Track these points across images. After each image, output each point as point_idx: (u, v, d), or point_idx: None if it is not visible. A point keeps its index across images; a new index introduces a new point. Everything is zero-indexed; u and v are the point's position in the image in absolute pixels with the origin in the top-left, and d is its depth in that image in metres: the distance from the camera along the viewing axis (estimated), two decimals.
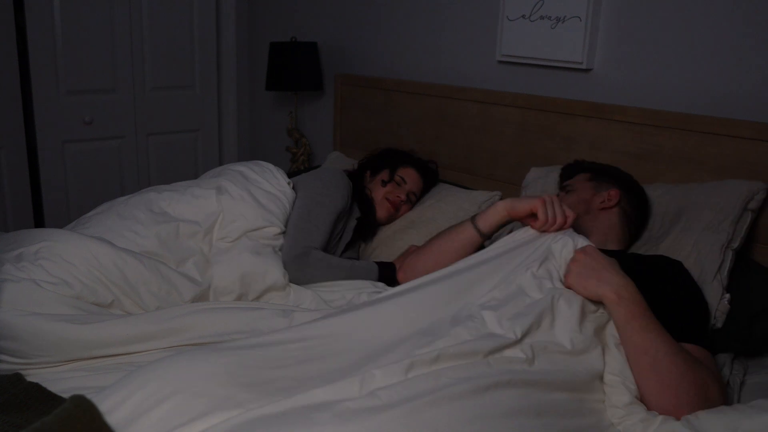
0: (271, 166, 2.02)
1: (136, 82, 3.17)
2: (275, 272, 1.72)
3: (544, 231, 1.44)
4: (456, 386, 1.03)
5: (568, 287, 1.30)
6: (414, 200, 2.19)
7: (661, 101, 1.93)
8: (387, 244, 2.07)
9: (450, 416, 0.98)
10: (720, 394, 1.19)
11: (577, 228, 1.52)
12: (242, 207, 1.83)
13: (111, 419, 0.98)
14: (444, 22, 2.51)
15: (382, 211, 2.11)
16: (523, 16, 2.18)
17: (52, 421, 0.93)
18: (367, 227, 2.11)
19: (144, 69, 3.18)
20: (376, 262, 1.87)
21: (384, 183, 2.14)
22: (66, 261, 1.54)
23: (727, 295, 1.52)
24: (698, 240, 1.60)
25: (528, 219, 1.49)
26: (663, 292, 1.36)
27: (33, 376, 1.31)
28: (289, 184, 1.97)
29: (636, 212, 1.69)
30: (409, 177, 2.17)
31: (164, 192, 1.88)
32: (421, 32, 2.60)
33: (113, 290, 1.55)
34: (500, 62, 2.32)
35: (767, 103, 1.73)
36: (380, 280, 1.82)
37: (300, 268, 1.77)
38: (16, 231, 1.74)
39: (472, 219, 1.61)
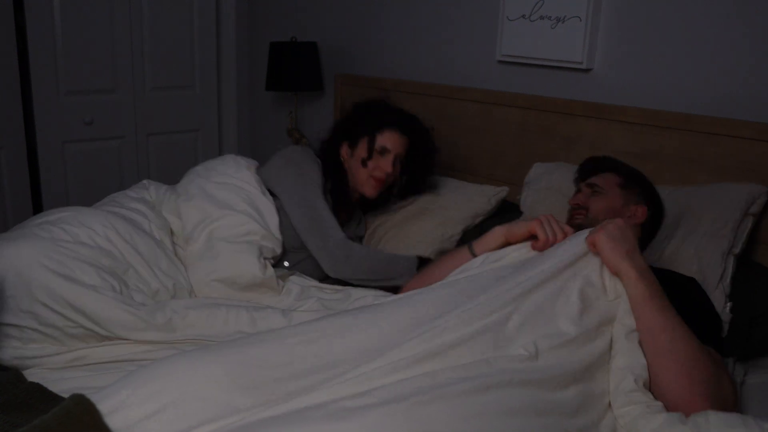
0: (227, 158, 1.97)
1: (136, 82, 3.17)
2: (249, 270, 1.70)
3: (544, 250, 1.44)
4: (454, 385, 1.02)
5: (592, 243, 1.29)
6: (403, 162, 2.03)
7: (661, 101, 1.93)
8: (400, 228, 2.06)
9: (447, 414, 0.98)
10: (732, 390, 1.20)
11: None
12: (195, 205, 1.80)
13: (111, 421, 0.98)
14: (444, 22, 2.51)
15: (369, 189, 1.98)
16: (523, 16, 2.18)
17: (50, 419, 0.93)
18: (343, 204, 2.00)
19: (144, 69, 3.18)
20: (418, 257, 1.84)
21: (365, 162, 1.96)
22: (86, 226, 1.60)
23: (729, 304, 1.52)
24: (699, 247, 1.59)
25: (526, 241, 1.50)
26: (677, 298, 1.35)
27: (34, 375, 1.32)
28: (249, 168, 1.91)
29: (654, 228, 1.65)
30: (392, 141, 1.97)
31: (151, 189, 1.92)
32: (421, 32, 2.60)
33: (128, 258, 1.60)
34: (500, 62, 2.32)
35: (767, 103, 1.73)
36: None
37: (347, 262, 1.76)
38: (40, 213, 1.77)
39: (470, 246, 1.61)
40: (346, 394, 1.02)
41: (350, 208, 2.05)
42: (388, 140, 1.97)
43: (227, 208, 1.78)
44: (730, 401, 1.18)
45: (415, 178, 2.10)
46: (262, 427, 0.95)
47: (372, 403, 0.98)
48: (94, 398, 1.00)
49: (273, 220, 1.83)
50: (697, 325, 1.30)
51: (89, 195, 3.05)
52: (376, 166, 1.96)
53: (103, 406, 1.00)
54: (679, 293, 1.40)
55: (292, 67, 2.89)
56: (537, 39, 2.15)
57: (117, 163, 3.21)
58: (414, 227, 2.03)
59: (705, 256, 1.58)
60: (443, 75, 2.53)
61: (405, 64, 2.68)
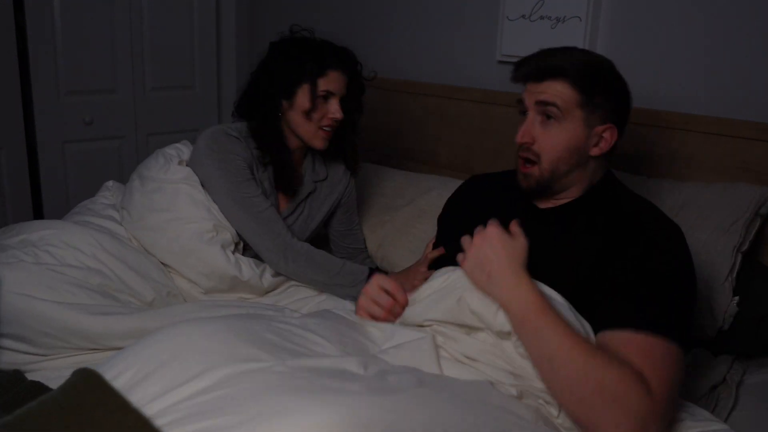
0: (158, 156, 1.85)
1: (136, 82, 3.17)
2: (218, 267, 1.66)
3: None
4: (464, 384, 1.03)
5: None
6: (346, 102, 1.78)
7: (661, 101, 1.93)
8: (401, 233, 2.04)
9: (459, 403, 0.96)
10: (646, 399, 0.98)
11: (552, 181, 1.28)
12: (143, 226, 1.72)
13: (116, 384, 0.97)
14: (444, 22, 2.51)
15: (319, 141, 1.76)
16: (523, 16, 2.18)
17: (56, 393, 0.92)
18: (289, 169, 1.82)
19: (144, 69, 3.18)
20: (371, 268, 1.79)
21: (308, 114, 1.71)
22: (71, 247, 1.57)
23: (736, 298, 1.51)
24: (709, 239, 1.57)
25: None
26: (633, 258, 1.14)
27: (34, 374, 1.32)
28: (181, 163, 1.82)
29: (624, 130, 1.34)
30: (335, 83, 1.73)
31: (116, 195, 1.90)
32: (421, 32, 2.60)
33: (118, 273, 1.58)
34: (500, 62, 2.32)
35: (767, 103, 1.73)
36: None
37: (288, 264, 1.70)
38: (11, 225, 1.75)
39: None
40: (352, 368, 1.00)
41: (295, 170, 1.86)
42: (333, 82, 1.72)
43: (173, 219, 1.69)
44: (621, 400, 0.97)
45: (351, 118, 1.85)
46: (277, 392, 0.89)
47: (386, 388, 0.95)
48: (99, 369, 0.99)
49: (218, 211, 1.74)
50: (658, 312, 1.10)
51: (89, 195, 3.03)
52: (323, 115, 1.73)
53: (108, 375, 0.98)
54: (648, 254, 1.16)
55: None
56: (537, 39, 2.15)
57: (117, 163, 3.21)
58: (414, 230, 2.02)
59: (715, 249, 1.56)
60: (443, 75, 2.53)
61: (405, 64, 2.68)
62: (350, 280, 1.74)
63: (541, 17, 2.13)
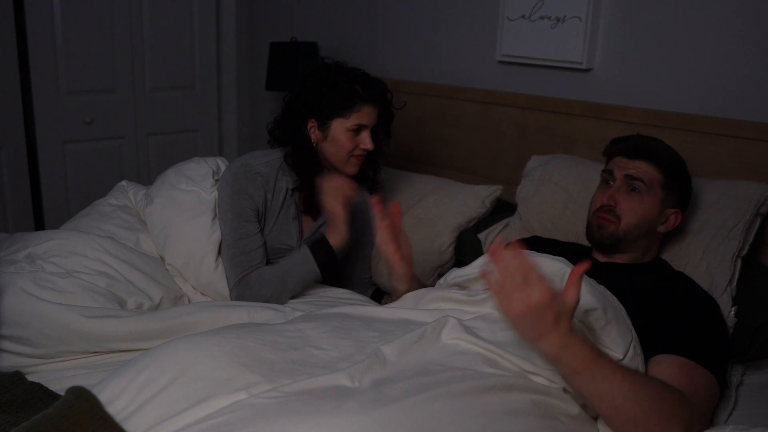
0: (200, 164, 1.89)
1: (136, 82, 3.17)
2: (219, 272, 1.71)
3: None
4: (453, 384, 1.02)
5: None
6: (376, 129, 1.84)
7: (661, 101, 1.93)
8: None
9: (454, 411, 0.97)
10: (689, 410, 1.10)
11: (622, 242, 1.46)
12: (159, 214, 1.76)
13: (111, 409, 0.98)
14: (444, 22, 2.51)
15: (351, 168, 1.81)
16: (523, 16, 2.18)
17: (52, 413, 0.93)
18: (315, 202, 1.82)
19: (144, 69, 3.18)
20: (309, 246, 1.71)
21: (340, 146, 1.78)
22: (77, 254, 1.59)
23: (734, 308, 1.50)
24: (709, 247, 1.55)
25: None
26: (682, 308, 1.32)
27: (34, 375, 1.32)
28: (217, 182, 1.85)
29: (682, 222, 1.55)
30: (367, 117, 1.77)
31: (130, 193, 1.91)
32: (421, 32, 2.60)
33: (125, 275, 1.59)
34: (500, 62, 2.32)
35: (767, 103, 1.73)
36: (322, 267, 1.69)
37: (242, 298, 1.69)
38: (15, 234, 1.76)
39: None
40: (347, 383, 1.01)
41: (316, 201, 1.85)
42: (364, 116, 1.77)
43: (198, 220, 1.74)
44: (671, 415, 1.07)
45: (379, 144, 1.89)
46: (271, 418, 0.92)
47: (380, 398, 0.96)
48: (94, 389, 1.00)
49: None
50: (694, 331, 1.28)
51: (89, 195, 3.03)
52: (355, 146, 1.78)
53: (104, 395, 0.99)
54: (694, 308, 1.36)
55: (292, 67, 2.89)
56: (537, 39, 2.15)
57: (117, 163, 3.21)
58: (411, 243, 1.99)
59: (714, 258, 1.54)
60: (443, 75, 2.53)
61: (405, 64, 2.68)
62: (304, 271, 1.71)
63: (541, 17, 2.13)
